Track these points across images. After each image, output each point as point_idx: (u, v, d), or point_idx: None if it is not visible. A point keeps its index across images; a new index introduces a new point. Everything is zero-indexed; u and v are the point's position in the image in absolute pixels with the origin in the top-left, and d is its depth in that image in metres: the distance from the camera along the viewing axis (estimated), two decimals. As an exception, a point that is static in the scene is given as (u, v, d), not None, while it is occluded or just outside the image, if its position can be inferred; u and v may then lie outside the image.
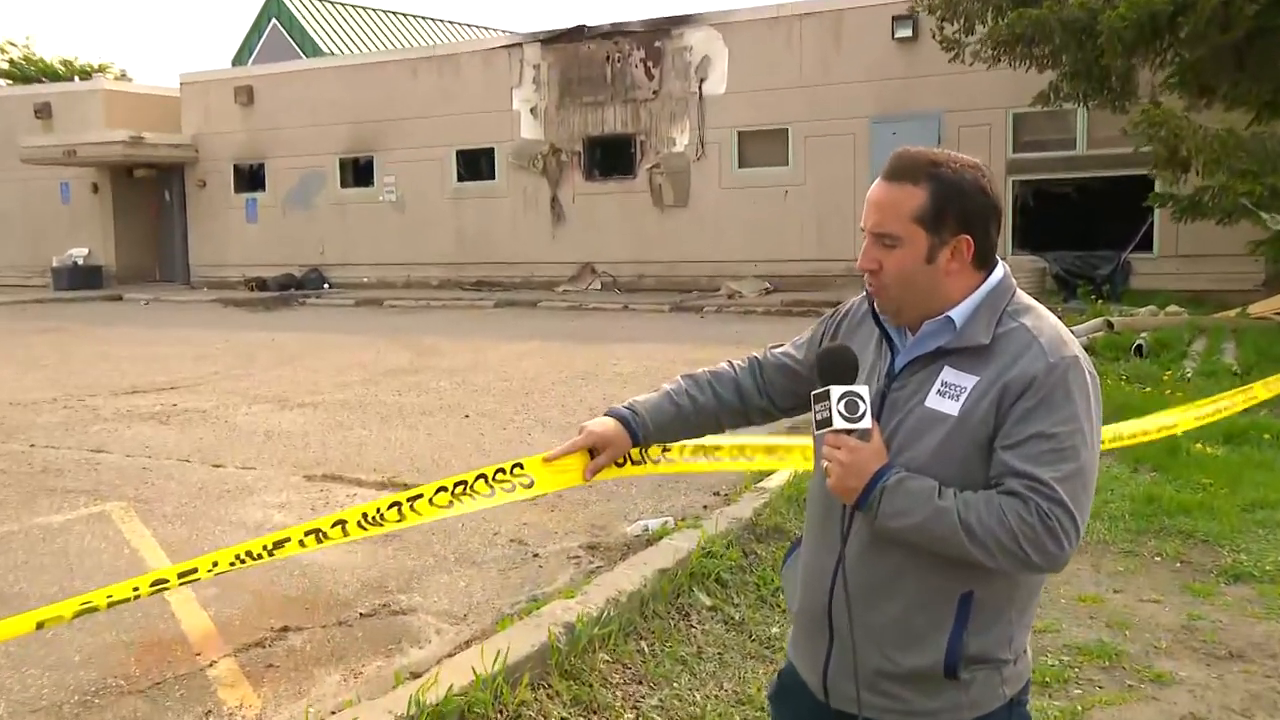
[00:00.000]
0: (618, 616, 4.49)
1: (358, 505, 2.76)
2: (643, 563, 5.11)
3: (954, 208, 2.07)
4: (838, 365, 2.11)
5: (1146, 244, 18.42)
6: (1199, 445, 7.51)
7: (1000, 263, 2.17)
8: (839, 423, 2.04)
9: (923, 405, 2.09)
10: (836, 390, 2.05)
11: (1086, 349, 11.20)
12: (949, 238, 2.08)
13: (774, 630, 4.69)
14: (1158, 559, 5.61)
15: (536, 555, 5.72)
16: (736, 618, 4.80)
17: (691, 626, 4.70)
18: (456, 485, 2.72)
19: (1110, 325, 12.86)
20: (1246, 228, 14.10)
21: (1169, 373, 10.19)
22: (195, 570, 2.54)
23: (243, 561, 2.54)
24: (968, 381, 2.05)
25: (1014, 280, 2.18)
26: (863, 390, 2.06)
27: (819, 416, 2.07)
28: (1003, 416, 2.01)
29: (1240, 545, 5.71)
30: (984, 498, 1.98)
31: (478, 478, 2.73)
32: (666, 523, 5.95)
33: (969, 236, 2.08)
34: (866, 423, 2.04)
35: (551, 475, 2.62)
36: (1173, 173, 13.36)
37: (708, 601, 4.91)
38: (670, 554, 5.19)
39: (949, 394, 2.06)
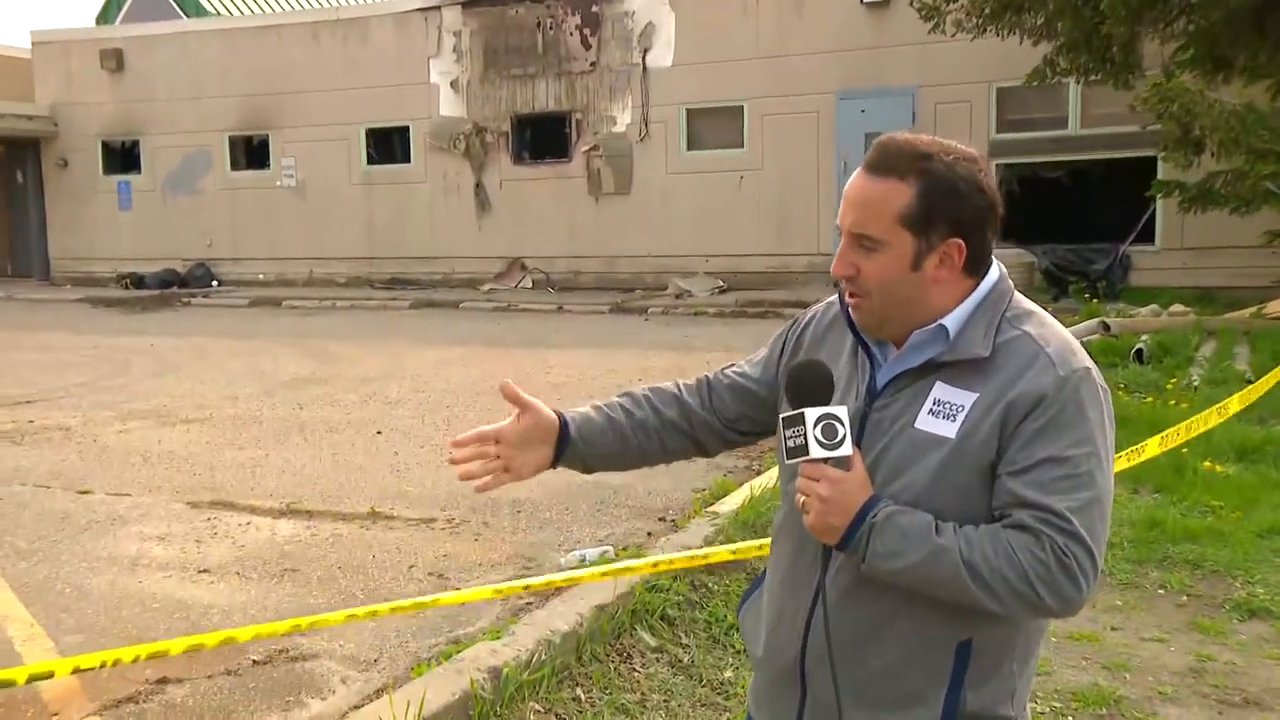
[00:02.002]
0: (550, 660, 4.47)
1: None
2: (579, 598, 5.09)
3: (946, 208, 2.04)
4: (811, 383, 2.07)
5: (1148, 235, 18.68)
6: (1208, 463, 7.61)
7: (996, 262, 2.14)
8: (816, 450, 2.00)
9: (912, 427, 2.06)
10: (812, 413, 2.01)
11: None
12: (938, 242, 2.05)
13: (727, 674, 4.70)
14: (1161, 591, 5.68)
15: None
16: (685, 660, 4.80)
17: (634, 670, 4.69)
18: None
19: (1106, 327, 13.02)
20: (1262, 217, 14.29)
21: (1173, 380, 10.31)
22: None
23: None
24: (965, 399, 2.02)
25: (1011, 282, 2.16)
26: (841, 412, 2.02)
27: (791, 443, 2.02)
28: (1007, 439, 1.98)
29: (1255, 576, 5.79)
30: (989, 533, 1.95)
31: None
32: (606, 552, 5.95)
33: (961, 241, 2.05)
34: (847, 449, 2.00)
35: None
36: (1184, 155, 13.46)
37: (652, 642, 4.90)
38: (610, 588, 5.17)
39: (943, 413, 2.03)
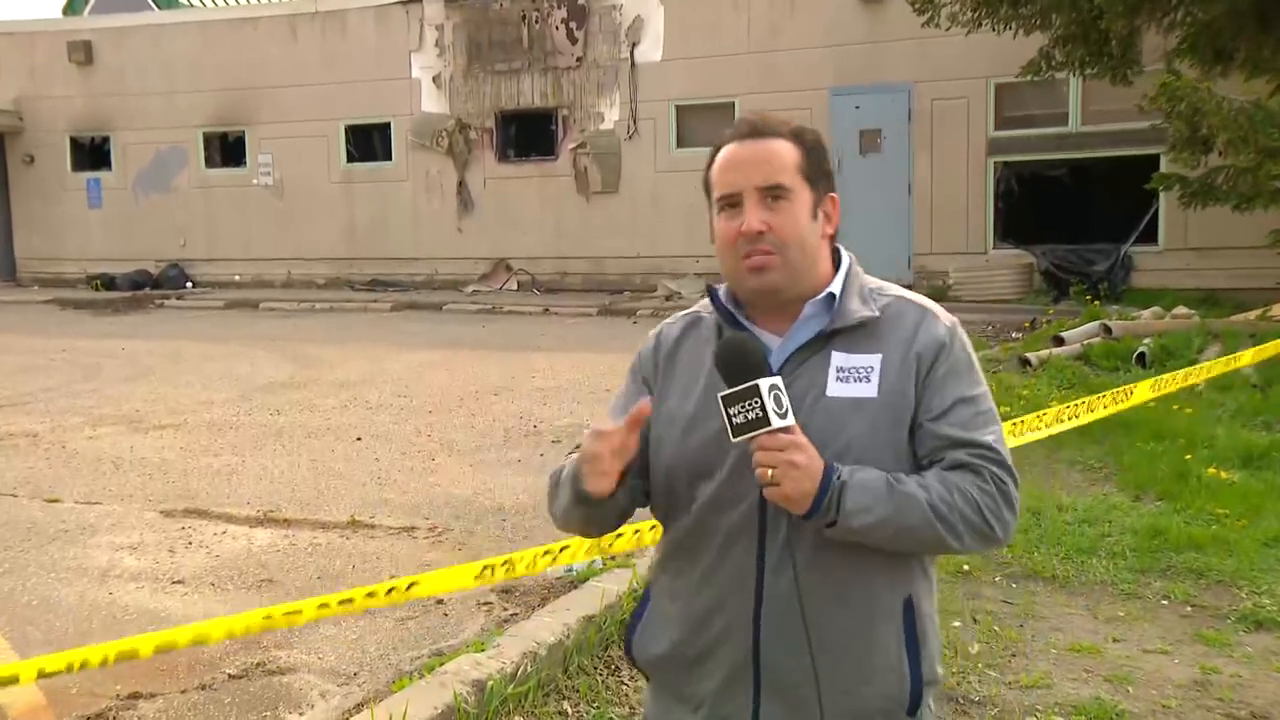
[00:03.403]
0: (536, 672, 4.47)
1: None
2: (565, 609, 5.09)
3: (822, 164, 2.28)
4: (746, 356, 2.11)
5: (1151, 235, 18.73)
6: (1212, 470, 7.64)
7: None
8: (776, 420, 2.04)
9: (826, 396, 2.18)
10: (765, 383, 2.06)
11: (1080, 357, 11.24)
12: (822, 196, 2.28)
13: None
14: (1165, 602, 5.69)
15: (440, 602, 5.68)
16: (677, 674, 4.79)
17: (622, 683, 4.69)
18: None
19: (1108, 330, 13.05)
20: (1268, 216, 14.33)
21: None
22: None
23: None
24: (871, 360, 2.19)
25: None
26: (779, 381, 2.08)
27: (741, 418, 2.06)
28: (921, 389, 2.18)
29: (1261, 586, 5.79)
30: (936, 476, 2.13)
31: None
32: (593, 562, 5.94)
33: (835, 196, 2.30)
34: (791, 417, 2.07)
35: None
36: (1192, 154, 13.47)
37: (643, 655, 4.90)
38: (597, 598, 5.17)
39: (853, 377, 2.18)
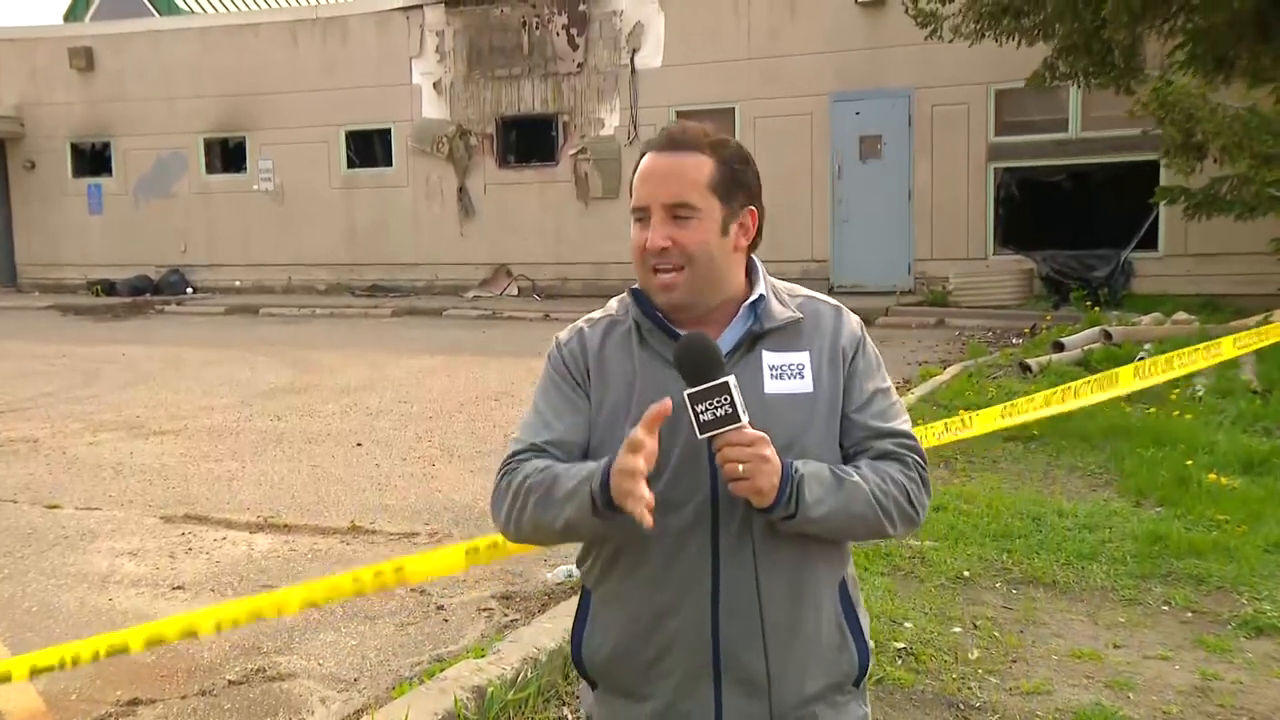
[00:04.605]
0: (536, 678, 4.47)
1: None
2: (566, 615, 5.08)
3: (741, 178, 2.31)
4: (709, 354, 2.14)
5: (1151, 241, 18.74)
6: (1213, 475, 7.63)
7: None
8: (745, 416, 2.09)
9: (765, 394, 2.23)
10: (734, 380, 2.10)
11: (1080, 363, 11.22)
12: (739, 210, 2.30)
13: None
14: (1165, 608, 5.68)
15: (441, 608, 5.68)
16: (677, 680, 4.78)
17: (624, 691, 4.68)
18: None
19: (1108, 335, 13.05)
20: (1268, 223, 14.35)
21: (1176, 391, 10.33)
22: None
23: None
24: (800, 358, 2.29)
25: None
26: (733, 380, 2.11)
27: (710, 415, 2.08)
28: (847, 382, 2.30)
29: (1262, 592, 5.78)
30: (868, 465, 2.26)
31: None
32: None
33: (754, 209, 2.33)
34: (747, 415, 2.11)
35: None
36: (1186, 160, 13.51)
37: (643, 661, 4.90)
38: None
39: (787, 374, 2.27)
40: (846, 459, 2.29)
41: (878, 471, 2.24)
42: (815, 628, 2.29)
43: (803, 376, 2.27)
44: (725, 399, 2.07)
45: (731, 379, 2.09)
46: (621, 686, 2.35)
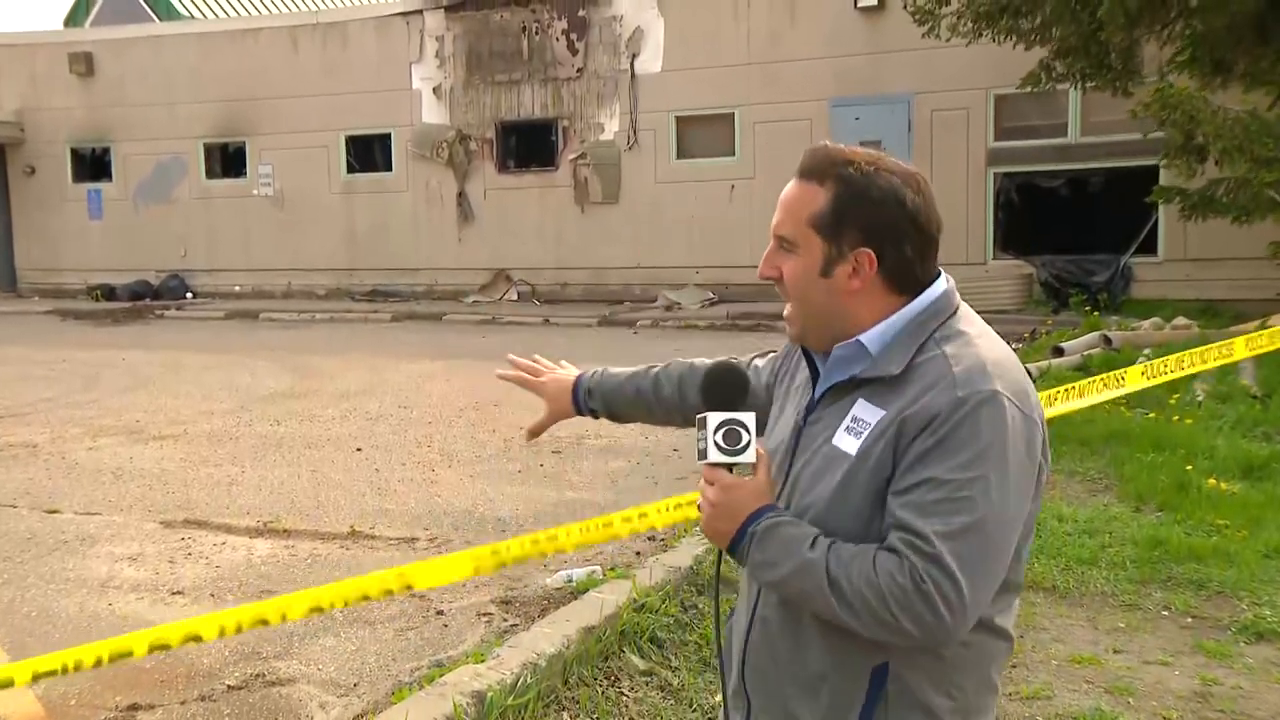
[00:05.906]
0: (536, 683, 4.46)
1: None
2: (565, 619, 5.09)
3: (856, 215, 2.06)
4: (721, 387, 2.16)
5: (1150, 246, 18.76)
6: (1212, 480, 7.63)
7: (944, 278, 2.14)
8: (714, 455, 2.07)
9: (829, 444, 2.08)
10: (714, 418, 2.07)
11: (1080, 368, 11.17)
12: (848, 250, 2.07)
13: (718, 698, 4.67)
14: (1165, 613, 5.68)
15: (440, 612, 5.68)
16: (674, 683, 4.79)
17: (623, 694, 4.68)
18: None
19: (1107, 341, 13.06)
20: (1267, 227, 14.35)
21: (1176, 395, 10.33)
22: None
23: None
24: (875, 416, 2.03)
25: (957, 299, 2.13)
26: (747, 419, 2.07)
27: (699, 445, 2.10)
28: (899, 458, 1.98)
29: (1262, 597, 5.77)
30: (861, 552, 1.95)
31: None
32: (593, 572, 5.93)
33: (871, 252, 2.06)
34: (750, 456, 2.07)
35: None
36: (1186, 163, 13.52)
37: (641, 664, 4.89)
38: (597, 609, 5.17)
39: (855, 430, 2.05)
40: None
41: (863, 559, 1.93)
42: (814, 685, 2.10)
43: (859, 437, 2.03)
44: (703, 434, 2.08)
45: (719, 416, 2.06)
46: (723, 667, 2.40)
